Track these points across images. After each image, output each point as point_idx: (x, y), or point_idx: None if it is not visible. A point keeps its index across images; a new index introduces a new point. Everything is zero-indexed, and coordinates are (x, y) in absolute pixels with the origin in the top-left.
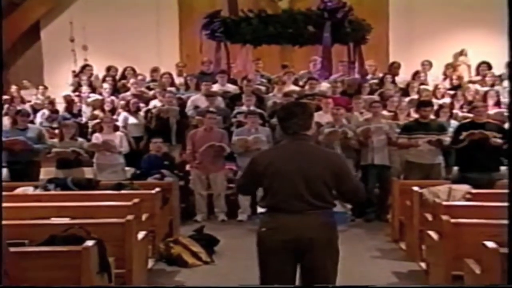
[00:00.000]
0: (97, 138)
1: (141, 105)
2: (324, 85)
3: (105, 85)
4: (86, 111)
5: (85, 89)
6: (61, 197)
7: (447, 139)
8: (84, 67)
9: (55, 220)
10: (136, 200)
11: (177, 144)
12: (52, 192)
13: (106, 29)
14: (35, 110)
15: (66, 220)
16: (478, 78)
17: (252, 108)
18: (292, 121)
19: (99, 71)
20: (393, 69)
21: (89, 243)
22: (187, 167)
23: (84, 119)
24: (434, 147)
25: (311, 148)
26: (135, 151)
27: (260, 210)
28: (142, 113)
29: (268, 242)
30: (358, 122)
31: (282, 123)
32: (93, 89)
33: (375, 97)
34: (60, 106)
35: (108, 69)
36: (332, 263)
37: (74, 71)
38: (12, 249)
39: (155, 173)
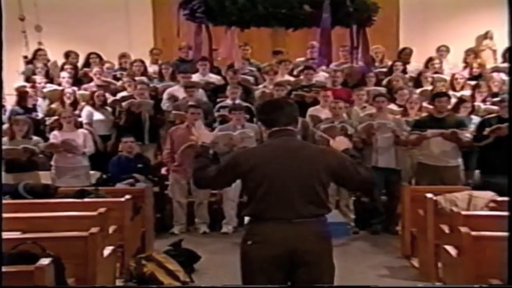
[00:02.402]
0: (55, 136)
1: (110, 97)
2: (323, 75)
3: (64, 74)
4: (42, 104)
5: (40, 78)
6: (10, 207)
7: (466, 135)
8: (37, 51)
9: (3, 235)
10: (102, 210)
11: (150, 144)
12: None
13: (63, 6)
14: None
15: (16, 235)
16: (505, 65)
17: (238, 101)
18: (277, 114)
19: (56, 57)
20: (404, 56)
21: (44, 261)
22: (163, 171)
23: (40, 115)
24: (448, 147)
25: (301, 144)
26: (102, 152)
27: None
28: (109, 108)
29: (255, 258)
30: (360, 117)
31: (266, 117)
32: (50, 79)
33: (381, 89)
34: (10, 99)
35: (67, 54)
36: (329, 278)
37: (25, 57)
38: None
39: (125, 177)
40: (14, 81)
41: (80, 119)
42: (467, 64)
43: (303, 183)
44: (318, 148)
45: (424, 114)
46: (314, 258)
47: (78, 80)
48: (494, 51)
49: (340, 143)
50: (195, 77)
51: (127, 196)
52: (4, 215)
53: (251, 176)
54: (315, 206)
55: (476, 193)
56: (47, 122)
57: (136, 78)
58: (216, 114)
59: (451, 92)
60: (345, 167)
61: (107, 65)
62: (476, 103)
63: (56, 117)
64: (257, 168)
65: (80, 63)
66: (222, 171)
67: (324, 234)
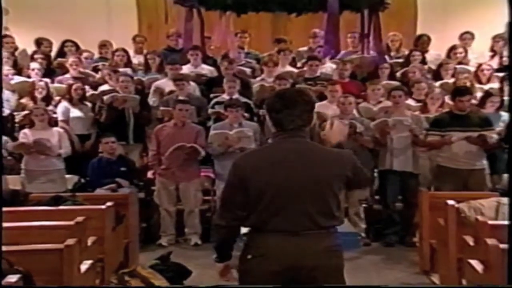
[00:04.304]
0: (26, 135)
1: (89, 91)
2: (329, 66)
3: (34, 65)
4: (10, 99)
5: (6, 69)
6: None
7: (493, 136)
8: (3, 38)
9: None
10: (79, 219)
11: (135, 144)
12: None
13: None
14: None
15: None
16: None
17: (235, 96)
18: (288, 112)
19: (25, 45)
20: (421, 44)
21: (12, 278)
22: (150, 174)
23: (7, 111)
24: (473, 148)
25: (311, 147)
26: (79, 154)
27: (244, 230)
28: (88, 103)
29: (255, 274)
30: (372, 112)
31: (276, 115)
32: (19, 70)
33: (395, 82)
34: None
35: (39, 42)
36: None
37: None
38: None
39: (106, 182)
40: None
41: (54, 116)
42: (494, 53)
43: (312, 191)
44: (331, 152)
45: (445, 110)
46: (322, 275)
47: (51, 71)
48: None
49: (338, 132)
50: (186, 69)
51: (109, 203)
52: None
53: (253, 182)
54: (325, 217)
55: (504, 199)
56: (16, 119)
57: (119, 70)
58: (210, 111)
59: (477, 85)
60: (357, 173)
61: (85, 54)
62: (505, 98)
63: (26, 113)
64: (260, 172)
65: (53, 53)
66: (229, 190)
67: (335, 248)
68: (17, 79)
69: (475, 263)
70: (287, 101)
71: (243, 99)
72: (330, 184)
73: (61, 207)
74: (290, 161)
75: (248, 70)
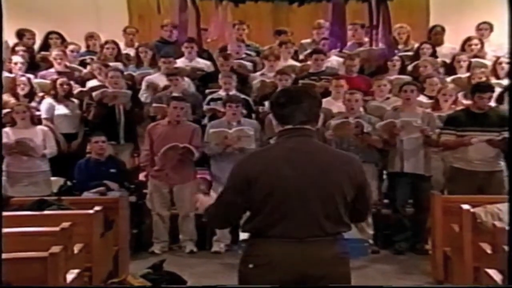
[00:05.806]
0: (7, 135)
1: (76, 87)
2: (335, 60)
3: (16, 58)
4: None
5: None
6: None
7: None
8: None
9: None
10: (65, 225)
11: (126, 144)
12: None
13: None
14: None
15: None
16: None
17: (233, 92)
18: (293, 108)
19: (6, 36)
20: (434, 35)
21: None
22: (142, 176)
23: None
24: (491, 152)
25: (320, 147)
26: (65, 154)
27: (243, 236)
28: (75, 100)
29: (258, 285)
30: (381, 111)
31: (281, 112)
32: None
33: (405, 77)
34: None
35: (20, 34)
36: None
37: None
38: None
39: (95, 185)
40: None
41: (38, 114)
42: None
43: (321, 194)
44: (341, 154)
45: (460, 108)
46: (330, 284)
47: (34, 65)
48: None
49: None
50: (180, 63)
51: (97, 208)
52: None
53: (258, 184)
54: (333, 222)
55: None
56: None
57: (109, 64)
58: (205, 107)
59: (494, 81)
60: (366, 182)
61: (71, 47)
62: None
63: (7, 111)
64: (265, 175)
65: (37, 45)
66: (228, 192)
67: (342, 255)
68: None
69: (492, 272)
70: (292, 96)
71: (241, 96)
72: (341, 188)
73: (45, 212)
74: (298, 162)
75: (248, 64)
